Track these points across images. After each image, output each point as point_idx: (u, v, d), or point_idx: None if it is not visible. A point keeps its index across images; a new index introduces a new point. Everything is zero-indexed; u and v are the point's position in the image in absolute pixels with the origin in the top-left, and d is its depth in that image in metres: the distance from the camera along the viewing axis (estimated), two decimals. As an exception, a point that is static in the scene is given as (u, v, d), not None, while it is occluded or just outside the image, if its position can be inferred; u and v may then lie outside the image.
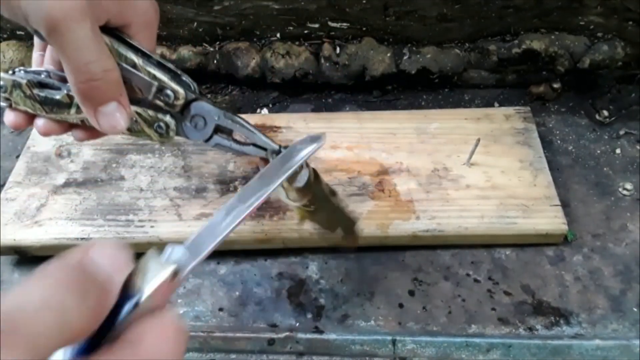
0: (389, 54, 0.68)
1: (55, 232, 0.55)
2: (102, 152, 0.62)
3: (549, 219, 0.55)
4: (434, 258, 0.56)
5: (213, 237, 0.30)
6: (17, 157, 0.63)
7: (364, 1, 0.63)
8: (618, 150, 0.64)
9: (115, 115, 0.37)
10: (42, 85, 0.42)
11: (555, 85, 0.69)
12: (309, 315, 0.52)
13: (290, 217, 0.55)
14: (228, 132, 0.44)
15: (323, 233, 0.50)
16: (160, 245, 0.54)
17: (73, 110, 0.41)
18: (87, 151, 0.62)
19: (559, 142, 0.66)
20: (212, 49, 0.71)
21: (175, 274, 0.25)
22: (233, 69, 0.70)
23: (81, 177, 0.60)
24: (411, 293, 0.54)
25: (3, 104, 0.43)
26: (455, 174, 0.59)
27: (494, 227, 0.55)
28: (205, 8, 0.65)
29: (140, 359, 0.22)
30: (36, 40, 0.44)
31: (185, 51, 0.70)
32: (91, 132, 0.43)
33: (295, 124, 0.64)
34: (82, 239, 0.54)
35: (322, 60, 0.69)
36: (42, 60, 0.43)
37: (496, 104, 0.70)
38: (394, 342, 0.50)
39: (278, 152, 0.43)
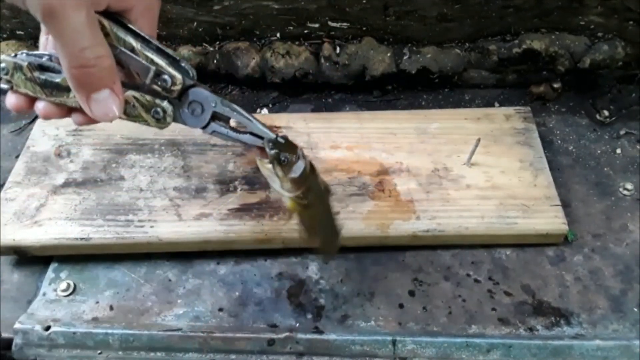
0: (389, 54, 0.68)
1: (55, 232, 0.55)
2: (102, 152, 0.62)
3: (549, 219, 0.55)
4: (434, 258, 0.56)
5: None
6: (17, 157, 0.63)
7: (364, 1, 0.63)
8: (618, 150, 0.64)
9: (108, 102, 0.38)
10: (42, 68, 0.42)
11: (556, 85, 0.69)
12: (309, 316, 0.52)
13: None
14: (225, 120, 0.44)
15: (304, 233, 0.49)
16: (160, 246, 0.55)
17: (72, 94, 0.41)
18: (87, 151, 0.62)
19: (559, 142, 0.66)
20: (212, 49, 0.71)
21: None
22: (233, 68, 0.70)
23: (81, 177, 0.60)
24: (411, 293, 0.54)
25: (4, 86, 0.43)
26: (455, 174, 0.59)
27: (494, 227, 0.55)
28: (205, 8, 0.65)
29: None
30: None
31: (185, 51, 0.70)
32: (90, 117, 0.43)
33: (295, 124, 0.64)
34: (81, 239, 0.54)
35: (322, 60, 0.69)
36: (46, 45, 0.44)
37: (496, 104, 0.70)
38: (394, 342, 0.49)
39: (275, 141, 0.42)
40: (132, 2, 0.39)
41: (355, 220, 0.55)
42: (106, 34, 0.38)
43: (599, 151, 0.65)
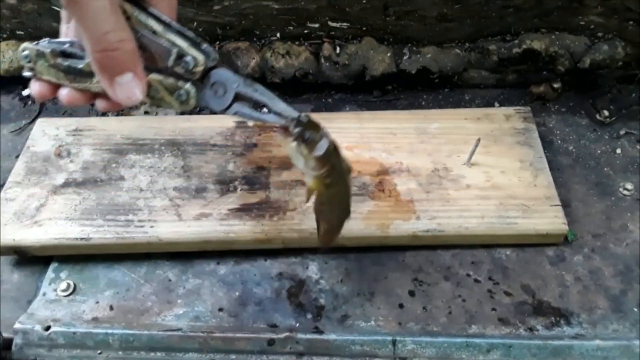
0: (389, 54, 0.68)
1: (55, 232, 0.55)
2: (102, 152, 0.62)
3: (549, 219, 0.55)
4: (434, 258, 0.56)
5: None
6: (17, 157, 0.63)
7: (364, 1, 0.63)
8: (618, 150, 0.64)
9: (131, 85, 0.39)
10: (65, 54, 0.42)
11: (556, 85, 0.69)
12: (309, 316, 0.52)
13: (290, 217, 0.55)
14: (248, 100, 0.44)
15: (319, 214, 0.48)
16: (160, 246, 0.55)
17: (95, 80, 0.41)
18: (87, 151, 0.62)
19: (559, 142, 0.66)
20: (212, 49, 0.71)
21: None
22: (233, 68, 0.70)
23: (81, 177, 0.60)
24: (411, 293, 0.54)
25: (28, 73, 0.43)
26: (455, 174, 0.59)
27: (494, 227, 0.55)
28: (205, 8, 0.65)
29: None
30: (63, 12, 0.45)
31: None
32: (114, 102, 0.43)
33: (295, 124, 0.64)
34: (81, 239, 0.54)
35: (322, 60, 0.69)
36: (67, 33, 0.44)
37: (496, 104, 0.70)
38: (394, 342, 0.49)
39: (298, 120, 0.42)
40: None
41: (355, 220, 0.55)
42: (127, 18, 0.38)
43: (599, 151, 0.65)
